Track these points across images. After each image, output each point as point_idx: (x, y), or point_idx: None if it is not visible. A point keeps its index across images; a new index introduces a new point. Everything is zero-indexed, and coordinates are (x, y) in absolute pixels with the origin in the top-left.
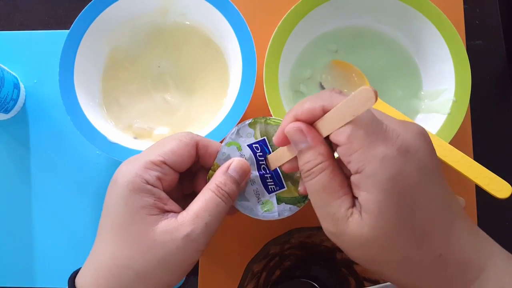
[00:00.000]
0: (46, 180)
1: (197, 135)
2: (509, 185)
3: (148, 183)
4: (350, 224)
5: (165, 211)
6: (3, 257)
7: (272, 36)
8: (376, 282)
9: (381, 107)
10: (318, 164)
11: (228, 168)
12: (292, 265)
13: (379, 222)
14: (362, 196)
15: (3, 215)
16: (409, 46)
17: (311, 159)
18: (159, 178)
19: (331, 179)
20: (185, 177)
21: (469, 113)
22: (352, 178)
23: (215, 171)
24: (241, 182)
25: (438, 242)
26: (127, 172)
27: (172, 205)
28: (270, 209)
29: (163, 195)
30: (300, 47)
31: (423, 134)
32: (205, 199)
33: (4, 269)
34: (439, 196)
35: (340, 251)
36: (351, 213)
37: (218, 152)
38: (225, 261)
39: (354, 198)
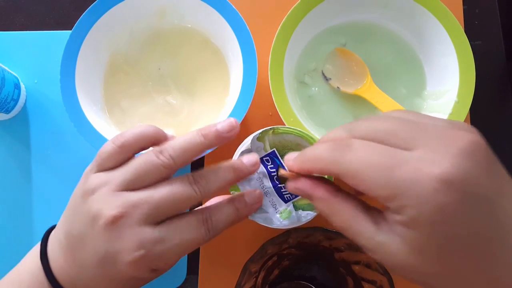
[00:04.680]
0: (46, 180)
1: None
2: None
3: None
4: (389, 250)
5: None
6: (3, 257)
7: (280, 26)
8: (373, 282)
9: (388, 104)
10: (324, 210)
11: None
12: (291, 264)
13: (424, 260)
14: (404, 232)
15: (4, 215)
16: (416, 45)
17: (319, 207)
18: None
19: (340, 222)
20: None
21: (469, 113)
22: (392, 215)
23: (230, 189)
24: None
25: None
26: None
27: None
28: (289, 217)
29: None
30: (308, 37)
31: (470, 152)
32: None
33: (4, 269)
34: (495, 226)
35: (338, 251)
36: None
37: None
38: (226, 261)
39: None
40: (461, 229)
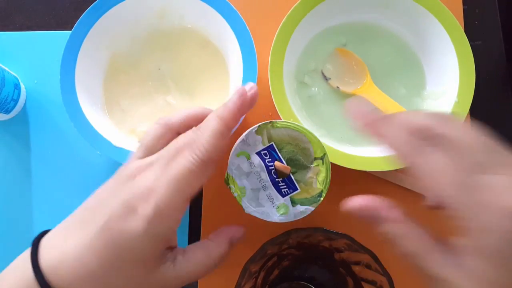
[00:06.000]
0: (46, 180)
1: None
2: None
3: None
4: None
5: None
6: (3, 257)
7: (280, 26)
8: (373, 282)
9: (387, 103)
10: (388, 235)
11: None
12: (291, 265)
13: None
14: (470, 261)
15: (4, 215)
16: (416, 45)
17: (388, 229)
18: None
19: (411, 246)
20: None
21: (469, 113)
22: (460, 239)
23: (227, 183)
24: None
25: None
26: None
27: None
28: (286, 212)
29: None
30: (308, 37)
31: None
32: None
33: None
34: None
35: (338, 251)
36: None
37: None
38: (226, 261)
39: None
40: None
